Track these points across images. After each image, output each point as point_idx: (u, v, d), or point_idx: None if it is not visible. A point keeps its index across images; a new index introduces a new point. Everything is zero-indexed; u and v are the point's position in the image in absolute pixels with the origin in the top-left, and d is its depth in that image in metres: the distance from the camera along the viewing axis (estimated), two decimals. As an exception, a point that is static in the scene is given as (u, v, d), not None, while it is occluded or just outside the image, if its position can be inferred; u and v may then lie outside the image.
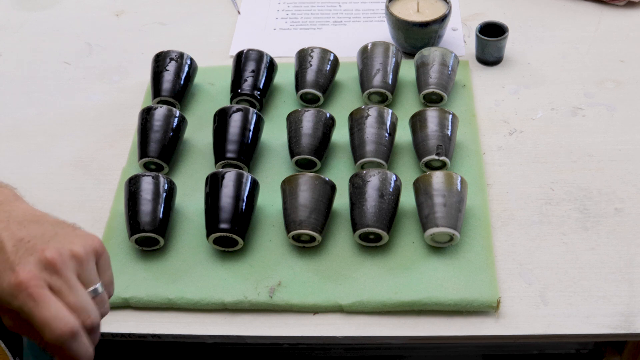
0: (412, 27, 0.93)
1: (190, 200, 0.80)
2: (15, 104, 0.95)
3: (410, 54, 0.96)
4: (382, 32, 1.01)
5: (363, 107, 0.82)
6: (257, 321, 0.71)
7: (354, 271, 0.73)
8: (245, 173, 0.76)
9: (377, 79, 0.87)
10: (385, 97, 0.88)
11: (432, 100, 0.88)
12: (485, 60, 0.96)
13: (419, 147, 0.81)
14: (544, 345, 0.85)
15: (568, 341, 0.81)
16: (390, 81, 0.88)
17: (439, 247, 0.74)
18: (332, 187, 0.75)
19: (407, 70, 0.93)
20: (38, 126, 0.92)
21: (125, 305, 0.72)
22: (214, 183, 0.75)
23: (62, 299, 0.47)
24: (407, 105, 0.89)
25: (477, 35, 0.94)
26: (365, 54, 0.90)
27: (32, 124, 0.92)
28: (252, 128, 0.82)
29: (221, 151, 0.81)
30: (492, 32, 0.94)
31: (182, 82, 0.90)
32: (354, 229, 0.73)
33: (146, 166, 0.83)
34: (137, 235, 0.73)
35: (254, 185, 0.76)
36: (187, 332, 0.70)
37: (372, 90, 0.87)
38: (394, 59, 0.89)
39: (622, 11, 1.03)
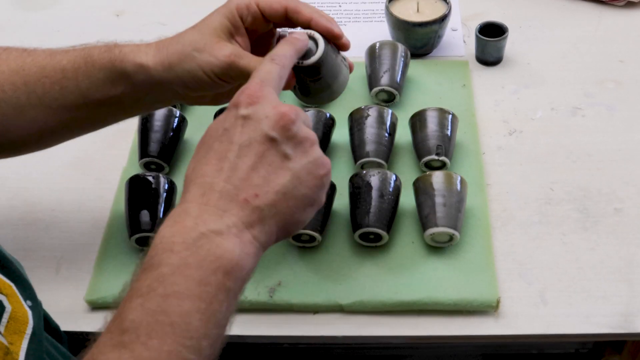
0: (412, 27, 0.93)
1: (191, 200, 0.80)
2: (15, 104, 0.95)
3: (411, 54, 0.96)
4: (382, 32, 1.01)
5: (363, 107, 0.82)
6: (257, 321, 0.71)
7: (354, 271, 0.73)
8: (246, 173, 0.76)
9: (385, 78, 0.87)
10: (393, 97, 0.88)
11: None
12: (485, 60, 0.96)
13: (419, 147, 0.81)
14: (544, 345, 0.85)
15: (568, 341, 0.81)
16: (398, 80, 0.88)
17: (439, 247, 0.74)
18: (332, 187, 0.75)
19: (409, 70, 0.93)
20: (38, 126, 0.92)
21: (126, 305, 0.72)
22: (214, 183, 0.75)
23: None
24: (408, 105, 0.89)
25: (477, 36, 0.94)
26: (375, 53, 0.90)
27: (32, 124, 0.92)
28: (252, 128, 0.82)
29: (221, 151, 0.81)
30: (492, 32, 0.94)
31: (182, 82, 0.90)
32: (354, 229, 0.73)
33: (146, 166, 0.83)
34: (137, 235, 0.73)
35: (254, 185, 0.76)
36: (187, 332, 0.70)
37: (380, 88, 0.87)
38: (402, 60, 0.89)
39: (622, 11, 1.03)
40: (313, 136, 0.54)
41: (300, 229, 0.55)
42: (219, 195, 0.50)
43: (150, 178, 0.76)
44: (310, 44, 0.60)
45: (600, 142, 0.85)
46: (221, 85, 0.62)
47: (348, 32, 1.03)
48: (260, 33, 0.63)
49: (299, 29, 0.63)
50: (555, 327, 0.69)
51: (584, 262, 0.73)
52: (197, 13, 1.09)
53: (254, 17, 0.61)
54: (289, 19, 0.61)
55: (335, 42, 0.62)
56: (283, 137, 0.51)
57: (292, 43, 0.58)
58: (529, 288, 0.71)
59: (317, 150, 0.54)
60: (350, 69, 0.65)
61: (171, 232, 0.49)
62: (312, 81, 0.61)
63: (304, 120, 0.54)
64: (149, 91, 0.63)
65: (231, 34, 0.61)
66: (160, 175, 0.76)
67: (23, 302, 0.55)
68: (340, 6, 1.09)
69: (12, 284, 0.55)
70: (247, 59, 0.60)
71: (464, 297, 0.69)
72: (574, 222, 0.77)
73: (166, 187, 0.76)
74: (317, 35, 0.60)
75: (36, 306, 0.57)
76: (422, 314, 0.70)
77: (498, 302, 0.69)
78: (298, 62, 0.59)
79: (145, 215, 0.73)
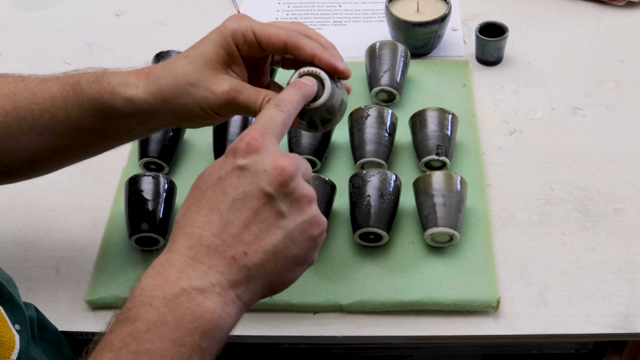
0: (412, 27, 0.93)
1: (190, 200, 0.80)
2: (15, 104, 0.95)
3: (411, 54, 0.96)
4: (382, 32, 1.01)
5: (363, 107, 0.82)
6: (257, 321, 0.71)
7: (354, 271, 0.73)
8: (245, 173, 0.76)
9: (385, 78, 0.87)
10: (393, 96, 0.88)
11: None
12: (485, 60, 0.96)
13: (419, 147, 0.81)
14: (544, 345, 0.85)
15: (568, 341, 0.81)
16: (398, 80, 0.88)
17: (439, 247, 0.74)
18: (332, 187, 0.75)
19: (409, 70, 0.93)
20: (38, 126, 0.92)
21: (126, 305, 0.72)
22: (214, 183, 0.75)
23: None
24: (408, 105, 0.89)
25: (477, 35, 0.94)
26: (375, 53, 0.90)
27: (32, 124, 0.92)
28: (252, 128, 0.82)
29: (221, 151, 0.81)
30: (492, 32, 0.94)
31: (182, 82, 0.90)
32: (354, 229, 0.73)
33: (146, 166, 0.83)
34: (137, 235, 0.73)
35: (254, 185, 0.76)
36: (187, 332, 0.70)
37: (380, 88, 0.87)
38: (402, 59, 0.89)
39: (622, 11, 1.03)
40: (311, 193, 0.51)
41: (288, 287, 0.53)
42: (206, 249, 0.48)
43: (150, 178, 0.76)
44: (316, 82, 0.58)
45: (600, 142, 0.85)
46: (218, 119, 0.59)
47: (348, 32, 1.04)
48: (255, 58, 0.61)
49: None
50: (555, 327, 0.68)
51: (584, 262, 0.73)
52: (197, 13, 1.10)
53: (251, 46, 0.57)
54: (289, 54, 0.58)
55: (338, 75, 0.59)
56: (279, 194, 0.49)
57: (300, 88, 0.55)
58: (529, 288, 0.71)
59: (313, 209, 0.51)
60: (348, 91, 0.62)
61: (152, 284, 0.47)
62: (313, 115, 0.59)
63: (304, 171, 0.52)
64: (141, 122, 0.60)
65: (227, 64, 0.57)
66: (160, 175, 0.76)
67: (11, 326, 0.54)
68: (340, 6, 1.09)
69: (0, 307, 0.55)
70: (247, 93, 0.56)
71: (464, 297, 0.69)
72: (574, 222, 0.77)
73: (166, 187, 0.76)
74: (324, 75, 0.57)
75: (25, 330, 0.56)
76: (422, 314, 0.70)
77: (498, 302, 0.69)
78: (305, 104, 0.57)
79: (145, 216, 0.73)
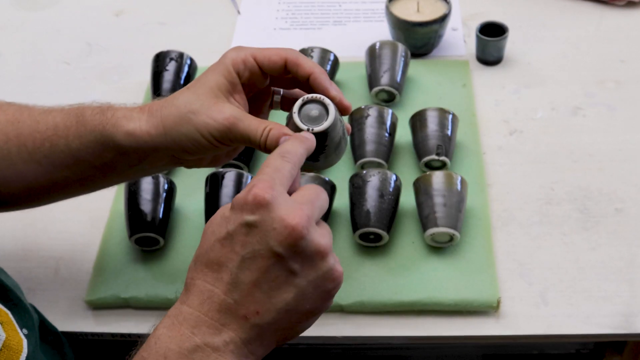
0: (412, 27, 0.93)
1: (190, 200, 0.80)
2: (15, 104, 0.95)
3: (411, 54, 0.96)
4: (382, 32, 1.01)
5: (363, 107, 0.82)
6: (257, 321, 0.71)
7: (354, 271, 0.73)
8: (245, 173, 0.76)
9: (385, 78, 0.87)
10: (393, 96, 0.88)
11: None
12: (485, 60, 0.96)
13: (419, 147, 0.81)
14: (544, 345, 0.85)
15: (568, 341, 0.81)
16: (398, 80, 0.88)
17: (439, 247, 0.74)
18: (332, 187, 0.75)
19: (409, 70, 0.93)
20: (38, 126, 0.92)
21: (125, 305, 0.72)
22: (214, 183, 0.75)
23: None
24: (408, 105, 0.89)
25: (477, 35, 0.94)
26: (375, 53, 0.90)
27: (32, 124, 0.92)
28: (252, 128, 0.82)
29: (221, 151, 0.81)
30: (492, 32, 0.94)
31: (182, 82, 0.90)
32: (354, 229, 0.73)
33: (146, 166, 0.82)
34: (137, 235, 0.73)
35: (254, 185, 0.76)
36: (187, 332, 0.70)
37: (380, 88, 0.87)
38: (402, 59, 0.89)
39: (623, 11, 1.03)
40: (325, 247, 0.49)
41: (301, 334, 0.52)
42: (218, 307, 0.48)
43: (149, 178, 0.75)
44: (319, 108, 0.56)
45: (600, 142, 0.85)
46: (220, 148, 0.58)
47: (348, 32, 1.04)
48: (256, 90, 0.60)
49: (297, 90, 0.61)
50: (555, 328, 0.68)
51: (585, 262, 0.73)
52: (197, 13, 1.10)
53: (252, 72, 0.57)
54: (288, 72, 0.58)
55: (330, 98, 0.57)
56: (290, 253, 0.47)
57: (302, 141, 0.54)
58: (529, 288, 0.71)
59: (327, 263, 0.49)
60: (348, 131, 0.61)
61: (167, 335, 0.48)
62: (315, 149, 0.56)
63: (321, 210, 0.51)
64: (142, 157, 0.59)
65: (229, 92, 0.57)
66: (160, 175, 0.76)
67: (19, 330, 0.54)
68: (340, 6, 1.09)
69: (8, 312, 0.55)
70: (247, 122, 0.56)
71: (464, 297, 0.69)
72: (575, 222, 0.77)
73: (165, 187, 0.76)
74: (327, 101, 0.56)
75: (32, 334, 0.56)
76: (422, 314, 0.70)
77: (498, 302, 0.69)
78: (308, 129, 0.55)
79: (145, 215, 0.73)
